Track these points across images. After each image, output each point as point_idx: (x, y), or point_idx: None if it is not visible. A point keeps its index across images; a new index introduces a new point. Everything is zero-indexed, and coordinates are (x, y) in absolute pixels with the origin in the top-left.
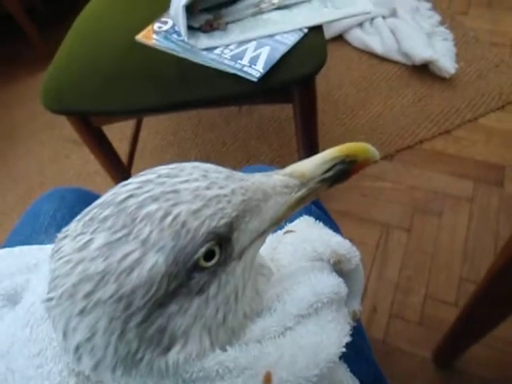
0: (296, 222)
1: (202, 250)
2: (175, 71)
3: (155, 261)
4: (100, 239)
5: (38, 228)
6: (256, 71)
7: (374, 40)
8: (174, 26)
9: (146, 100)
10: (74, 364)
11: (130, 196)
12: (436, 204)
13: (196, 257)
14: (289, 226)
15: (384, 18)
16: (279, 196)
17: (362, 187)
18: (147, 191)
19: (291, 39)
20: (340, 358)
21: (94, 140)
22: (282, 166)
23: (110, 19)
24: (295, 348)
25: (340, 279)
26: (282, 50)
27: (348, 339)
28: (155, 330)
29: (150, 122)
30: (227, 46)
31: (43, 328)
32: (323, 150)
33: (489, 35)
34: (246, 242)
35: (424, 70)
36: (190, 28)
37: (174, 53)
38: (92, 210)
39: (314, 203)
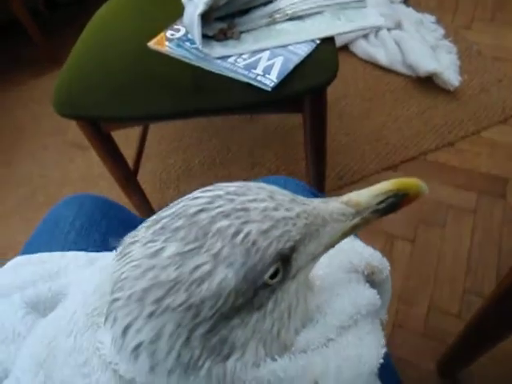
0: None
1: (272, 269)
2: (188, 79)
3: (225, 275)
4: (172, 248)
5: (58, 235)
6: (270, 81)
7: (379, 51)
8: (186, 33)
9: (159, 107)
10: (126, 363)
11: (202, 210)
12: (440, 215)
13: (266, 276)
14: None
15: (389, 30)
16: (336, 223)
17: None
18: (218, 206)
19: (304, 50)
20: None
21: (102, 145)
22: (288, 173)
23: (122, 25)
24: (339, 359)
25: (374, 291)
26: (296, 60)
27: (384, 350)
28: (218, 340)
29: (156, 128)
30: (241, 55)
31: (87, 337)
32: (329, 159)
33: (492, 50)
34: (303, 263)
35: (428, 83)
36: (204, 36)
37: (188, 60)
38: (162, 219)
39: None
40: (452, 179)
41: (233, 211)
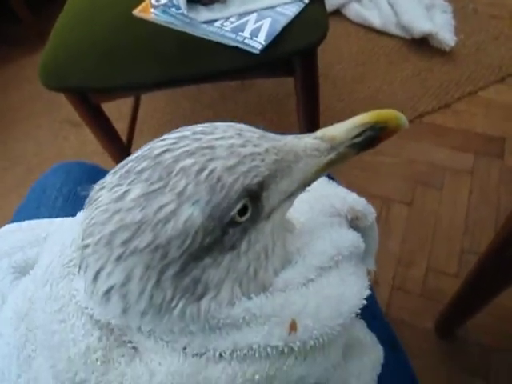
0: None
1: (238, 206)
2: (175, 45)
3: (190, 213)
4: (137, 190)
5: (45, 202)
6: (258, 43)
7: (373, 14)
8: None
9: (146, 75)
10: (99, 307)
11: (166, 150)
12: (437, 177)
13: (232, 213)
14: None
15: None
16: (309, 158)
17: (362, 161)
18: (183, 146)
19: (292, 10)
20: (358, 316)
21: (92, 118)
22: None
23: None
24: (319, 298)
25: (358, 234)
26: (284, 21)
27: (368, 292)
28: (190, 281)
29: (148, 101)
30: (227, 18)
31: (62, 285)
32: (323, 124)
33: (487, 7)
34: (275, 202)
35: (423, 44)
36: (190, 1)
37: (173, 27)
38: (128, 163)
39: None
40: (449, 141)
41: (198, 150)
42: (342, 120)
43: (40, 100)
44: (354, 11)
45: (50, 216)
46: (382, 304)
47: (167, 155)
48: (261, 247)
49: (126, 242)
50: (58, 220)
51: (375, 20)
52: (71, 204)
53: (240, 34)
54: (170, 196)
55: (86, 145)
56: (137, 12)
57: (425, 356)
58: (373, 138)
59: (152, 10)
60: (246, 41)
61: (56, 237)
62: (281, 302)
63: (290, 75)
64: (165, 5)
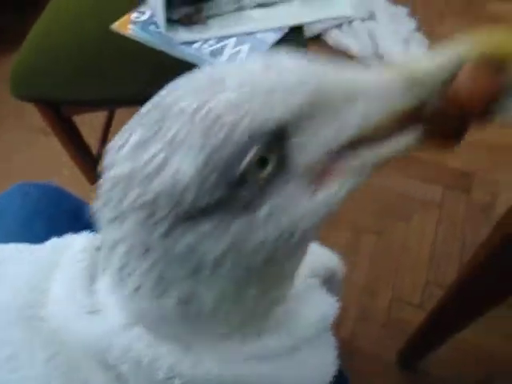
0: None
1: (249, 156)
2: (152, 63)
3: (179, 165)
4: (135, 137)
5: (0, 226)
6: None
7: (352, 42)
8: (152, 16)
9: (121, 91)
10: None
11: (172, 90)
12: (406, 208)
13: (242, 166)
14: None
15: (362, 20)
16: (373, 100)
17: None
18: (190, 84)
19: (271, 38)
20: None
21: (63, 130)
22: None
23: (86, 5)
24: (303, 369)
25: (335, 298)
26: (262, 48)
27: (337, 364)
28: (183, 248)
29: (122, 115)
30: (206, 40)
31: (18, 329)
32: None
33: None
34: (316, 155)
35: None
36: (169, 20)
37: (151, 45)
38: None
39: None
40: (419, 172)
41: (205, 85)
42: None
43: (11, 105)
44: (334, 38)
45: (6, 241)
46: (346, 333)
47: (170, 95)
48: (286, 224)
49: (119, 202)
50: (11, 246)
51: (354, 48)
52: (27, 229)
53: (218, 57)
54: (161, 143)
55: (56, 155)
56: (115, 26)
57: None
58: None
59: (130, 25)
60: None
61: (13, 269)
62: (258, 373)
63: None
64: (144, 22)
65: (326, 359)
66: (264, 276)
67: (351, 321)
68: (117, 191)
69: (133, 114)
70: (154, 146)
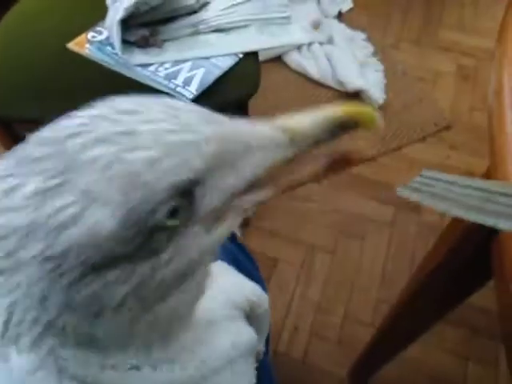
0: None
1: (165, 208)
2: (107, 84)
3: (98, 218)
4: (30, 185)
5: None
6: (189, 93)
7: (311, 65)
8: (109, 37)
9: (76, 110)
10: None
11: (75, 134)
12: (359, 227)
13: (158, 216)
14: None
15: (321, 44)
16: (262, 151)
17: (291, 207)
18: (96, 130)
19: (226, 63)
20: None
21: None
22: None
23: (44, 21)
24: None
25: (252, 329)
26: (217, 73)
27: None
28: (86, 297)
29: None
30: (162, 63)
31: None
32: None
33: (415, 70)
34: (215, 203)
35: (356, 98)
36: (126, 42)
37: (107, 65)
38: (27, 146)
39: (232, 239)
40: (373, 192)
41: (115, 136)
42: None
43: None
44: (293, 60)
45: None
46: (300, 350)
47: (74, 141)
48: (185, 262)
49: (10, 254)
50: None
51: (313, 70)
52: None
53: (173, 81)
54: (73, 195)
55: None
56: (71, 45)
57: None
58: (340, 149)
59: (87, 45)
60: (178, 89)
61: None
62: None
63: None
64: (101, 42)
65: None
66: (159, 313)
67: (305, 337)
68: (10, 242)
69: None
70: (64, 197)
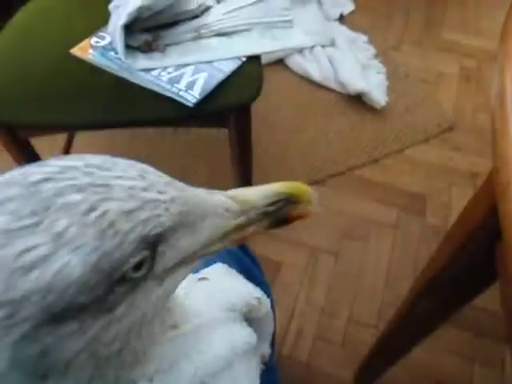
0: (209, 269)
1: (135, 259)
2: (110, 89)
3: (67, 261)
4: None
5: None
6: (192, 96)
7: (313, 67)
8: (111, 42)
9: (78, 116)
10: None
11: (48, 179)
12: (363, 230)
13: (126, 267)
14: (203, 273)
15: (323, 47)
16: (218, 217)
17: None
18: (71, 178)
19: (229, 67)
20: None
21: (19, 152)
22: (219, 185)
23: (46, 27)
24: None
25: (250, 329)
26: (219, 77)
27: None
28: (36, 352)
29: (84, 135)
30: (165, 68)
31: None
32: (257, 173)
33: (417, 72)
34: (172, 261)
35: (358, 100)
36: (128, 47)
37: (110, 70)
38: None
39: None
40: (376, 195)
41: (89, 186)
42: (276, 167)
43: None
44: (296, 63)
45: None
46: (304, 353)
47: (48, 185)
48: (139, 316)
49: None
50: None
51: (315, 73)
52: None
53: (176, 85)
54: (44, 237)
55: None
56: (75, 51)
57: None
58: (283, 214)
59: (91, 50)
60: (181, 93)
61: None
62: None
63: (224, 127)
64: (104, 47)
65: None
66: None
67: (309, 340)
68: None
69: (93, 137)
70: (34, 238)
